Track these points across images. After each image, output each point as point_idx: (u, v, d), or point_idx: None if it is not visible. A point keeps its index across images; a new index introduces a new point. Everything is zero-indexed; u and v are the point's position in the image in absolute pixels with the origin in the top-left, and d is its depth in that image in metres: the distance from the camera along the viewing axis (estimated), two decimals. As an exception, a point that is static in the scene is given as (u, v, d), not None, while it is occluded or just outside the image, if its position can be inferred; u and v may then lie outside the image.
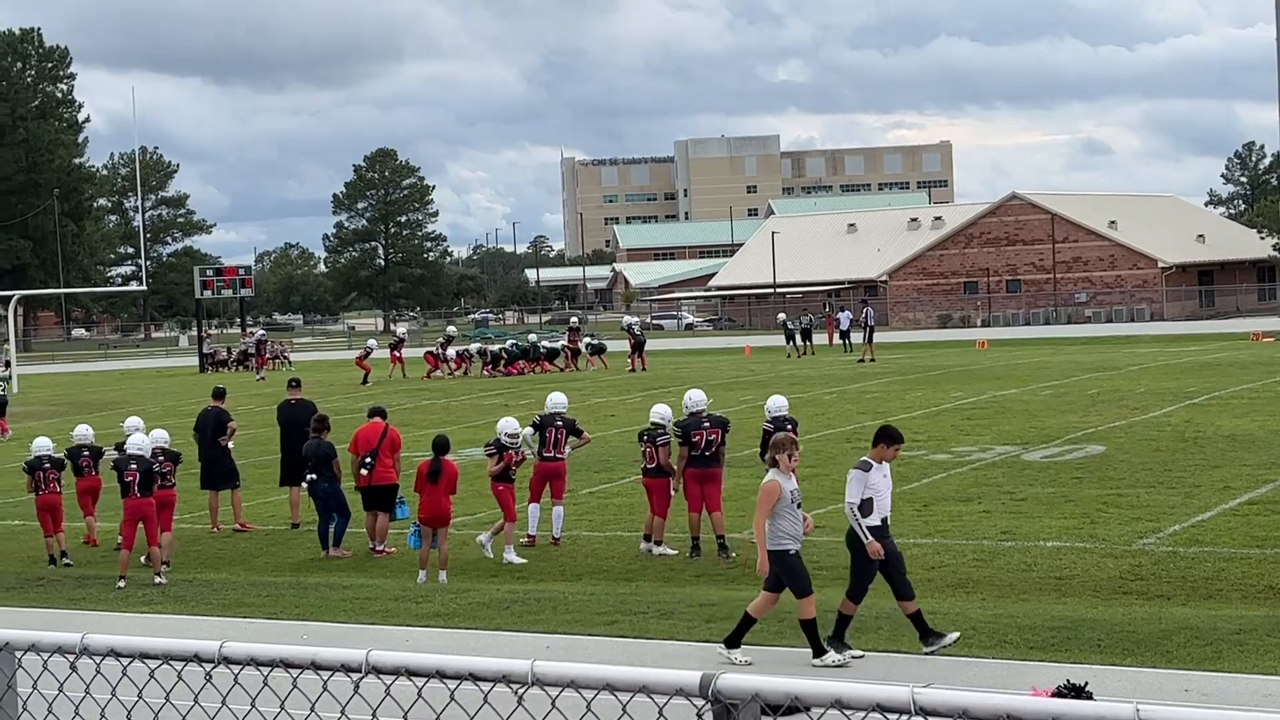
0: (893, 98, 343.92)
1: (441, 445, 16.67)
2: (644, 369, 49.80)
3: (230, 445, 20.86)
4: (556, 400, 18.56)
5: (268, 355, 61.49)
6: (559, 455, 18.05)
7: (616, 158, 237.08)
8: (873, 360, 49.77)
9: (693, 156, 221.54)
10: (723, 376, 44.83)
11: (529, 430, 18.01)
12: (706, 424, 16.98)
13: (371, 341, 55.37)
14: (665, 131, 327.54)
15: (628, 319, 59.67)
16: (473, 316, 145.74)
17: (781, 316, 62.72)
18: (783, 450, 11.68)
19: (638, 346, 50.93)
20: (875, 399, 34.93)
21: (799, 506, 11.70)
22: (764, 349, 62.32)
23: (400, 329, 64.22)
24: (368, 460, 18.13)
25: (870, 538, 11.67)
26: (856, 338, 56.99)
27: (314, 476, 18.34)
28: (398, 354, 52.98)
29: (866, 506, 11.77)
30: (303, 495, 19.72)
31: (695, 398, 17.37)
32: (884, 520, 11.86)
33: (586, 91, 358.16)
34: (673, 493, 17.06)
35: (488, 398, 40.63)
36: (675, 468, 16.95)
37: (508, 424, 17.47)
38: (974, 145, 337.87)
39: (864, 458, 12.07)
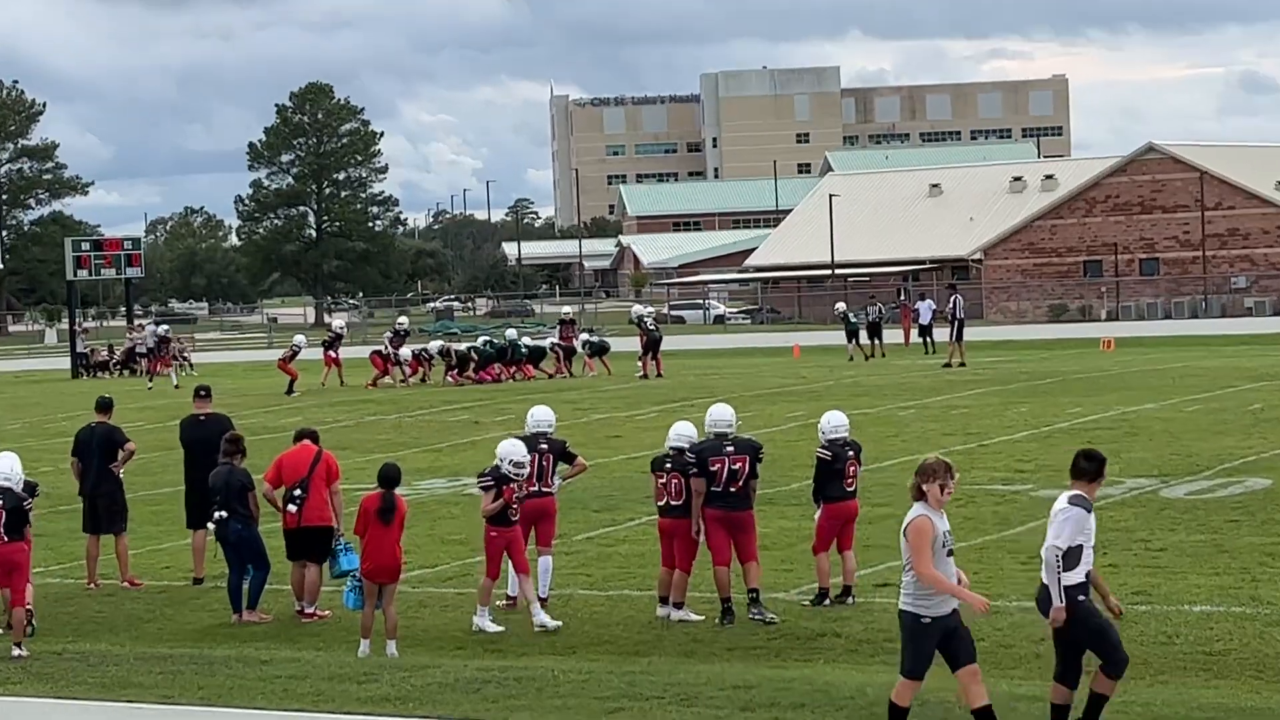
0: (990, 19, 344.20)
1: (391, 477, 16.71)
2: (659, 375, 49.88)
3: (122, 473, 20.85)
4: (541, 416, 18.58)
5: (170, 356, 61.59)
6: (545, 489, 18.07)
7: (624, 96, 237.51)
8: (962, 364, 49.78)
9: (724, 95, 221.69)
10: (764, 385, 44.86)
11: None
12: (729, 449, 17.01)
13: (299, 338, 55.43)
14: (688, 63, 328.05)
15: (638, 309, 59.72)
16: (433, 305, 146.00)
17: (841, 307, 62.69)
18: (933, 479, 11.41)
19: (651, 345, 50.95)
20: (966, 416, 34.94)
21: (950, 555, 11.47)
22: (818, 349, 62.33)
23: (337, 322, 64.19)
24: (297, 494, 18.14)
25: (1062, 600, 11.56)
26: (941, 335, 56.96)
27: (223, 515, 18.33)
28: (333, 354, 53.03)
29: (1072, 556, 11.61)
30: (210, 540, 19.71)
31: (719, 414, 17.43)
32: (1088, 575, 11.76)
33: (585, 9, 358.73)
34: (696, 539, 17.08)
35: (452, 413, 40.69)
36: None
37: (513, 448, 17.45)
38: (1097, 81, 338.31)
39: (1078, 492, 11.79)
